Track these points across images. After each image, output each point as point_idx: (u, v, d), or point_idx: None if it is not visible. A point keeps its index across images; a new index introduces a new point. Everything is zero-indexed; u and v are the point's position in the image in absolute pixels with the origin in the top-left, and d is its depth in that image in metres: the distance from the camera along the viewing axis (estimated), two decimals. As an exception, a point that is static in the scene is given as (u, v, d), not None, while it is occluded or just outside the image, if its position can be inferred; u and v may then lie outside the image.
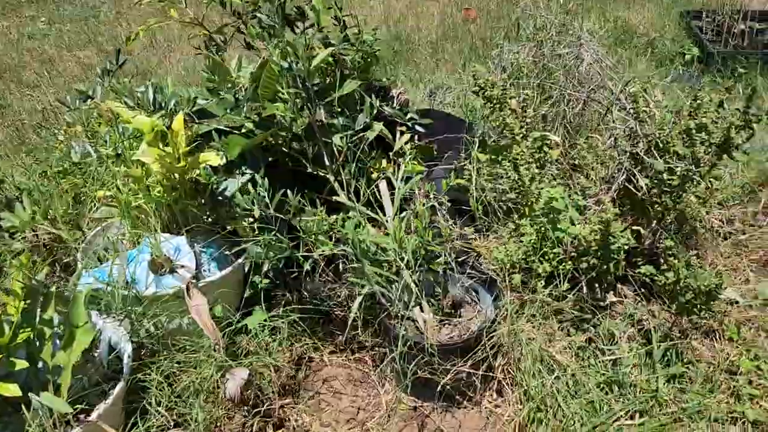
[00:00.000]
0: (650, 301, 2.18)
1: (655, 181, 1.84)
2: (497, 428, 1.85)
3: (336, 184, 1.93)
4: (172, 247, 1.95)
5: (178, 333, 1.95)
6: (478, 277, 1.97)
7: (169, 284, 1.90)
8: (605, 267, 1.81)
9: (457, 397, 1.90)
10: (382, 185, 1.97)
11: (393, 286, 1.81)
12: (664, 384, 1.82)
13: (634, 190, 1.87)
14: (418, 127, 2.19)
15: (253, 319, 2.06)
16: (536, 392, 1.77)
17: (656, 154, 1.78)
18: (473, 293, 2.06)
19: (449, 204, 2.11)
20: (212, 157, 1.74)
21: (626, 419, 1.77)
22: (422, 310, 1.95)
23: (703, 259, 2.28)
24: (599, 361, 1.82)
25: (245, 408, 1.72)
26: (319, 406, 1.99)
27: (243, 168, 1.84)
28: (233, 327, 1.91)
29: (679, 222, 2.09)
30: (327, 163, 1.92)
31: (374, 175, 2.03)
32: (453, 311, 2.03)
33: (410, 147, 2.18)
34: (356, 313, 1.86)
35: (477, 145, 2.23)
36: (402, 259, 1.73)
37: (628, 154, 1.84)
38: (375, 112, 1.99)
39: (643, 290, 2.11)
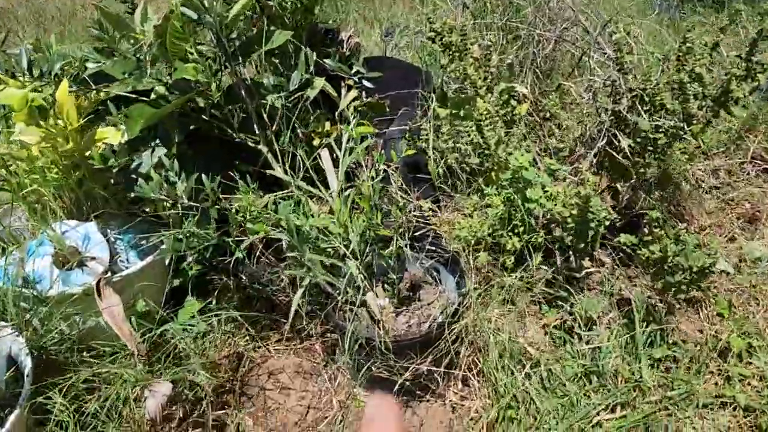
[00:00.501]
0: (629, 267, 1.97)
1: (639, 140, 1.59)
2: (464, 423, 1.65)
3: (270, 156, 1.64)
4: (80, 236, 1.66)
5: (98, 333, 1.68)
6: (439, 256, 1.73)
7: (78, 280, 1.62)
8: (582, 242, 1.58)
9: (418, 391, 1.69)
10: (324, 154, 1.68)
11: (340, 273, 1.56)
12: (648, 369, 1.63)
13: (614, 153, 1.62)
14: (366, 83, 1.89)
15: (184, 313, 1.80)
16: (506, 389, 1.56)
17: (642, 111, 1.51)
18: (434, 272, 1.82)
19: (405, 170, 1.85)
20: (111, 134, 1.43)
21: (607, 413, 1.58)
22: (377, 296, 1.72)
23: (687, 217, 2.06)
24: (576, 350, 1.61)
25: (170, 427, 1.49)
26: (264, 406, 1.77)
27: (155, 143, 1.53)
28: (157, 325, 1.65)
29: (662, 181, 1.85)
30: (257, 130, 1.62)
31: (316, 142, 1.74)
32: (411, 294, 1.80)
33: (358, 105, 1.89)
34: (299, 306, 1.62)
35: (435, 98, 1.94)
36: (347, 246, 1.47)
37: (609, 112, 1.57)
38: (313, 66, 1.68)
39: (621, 255, 1.89)
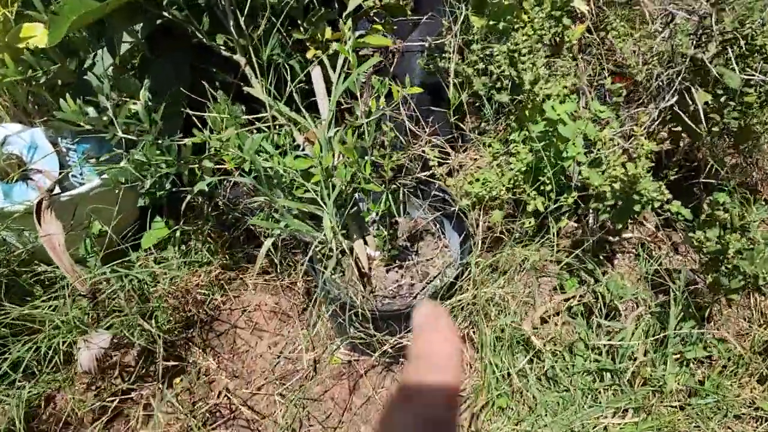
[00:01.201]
0: (675, 230, 1.65)
1: (721, 100, 1.21)
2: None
3: (248, 69, 1.32)
4: (25, 145, 1.42)
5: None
6: (443, 209, 1.44)
7: (21, 196, 1.40)
8: (621, 221, 1.26)
9: (402, 359, 1.48)
10: (316, 73, 1.35)
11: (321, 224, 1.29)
12: (673, 369, 1.37)
13: (682, 114, 1.25)
14: (384, -25, 1.50)
15: (149, 237, 1.58)
16: (499, 380, 1.33)
17: (733, 60, 1.13)
18: (437, 226, 1.54)
19: (423, 97, 1.51)
20: (37, 34, 1.13)
21: (616, 417, 1.35)
22: (366, 243, 1.46)
23: (763, 187, 1.69)
24: (592, 343, 1.35)
25: (112, 378, 1.32)
26: (233, 347, 1.59)
27: (100, 48, 1.23)
28: (114, 254, 1.45)
29: (739, 136, 1.47)
30: (233, 33, 1.29)
31: (310, 54, 1.40)
32: (410, 244, 1.53)
33: (372, 3, 1.52)
34: (272, 249, 1.38)
35: (471, 3, 1.55)
36: (326, 202, 1.19)
37: (688, 59, 1.18)
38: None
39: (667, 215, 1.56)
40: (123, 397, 1.38)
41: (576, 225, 1.54)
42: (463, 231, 1.40)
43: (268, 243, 1.28)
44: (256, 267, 1.34)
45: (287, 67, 1.39)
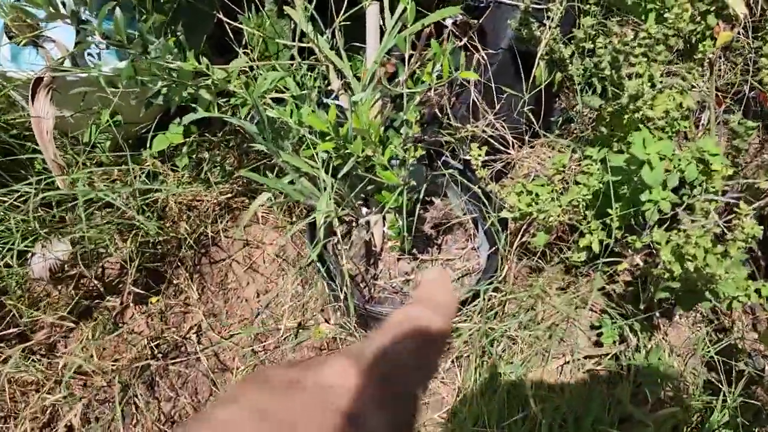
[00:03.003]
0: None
1: None
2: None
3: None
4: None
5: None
6: (485, 207, 1.19)
7: (28, 62, 1.26)
8: (685, 306, 0.98)
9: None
10: (372, 10, 1.09)
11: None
12: None
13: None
14: None
15: (162, 140, 1.42)
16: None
17: None
18: (473, 224, 1.29)
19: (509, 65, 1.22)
20: None
21: None
22: (385, 220, 1.25)
23: None
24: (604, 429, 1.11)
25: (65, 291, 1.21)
26: (223, 281, 1.45)
27: None
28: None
29: None
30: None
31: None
32: (436, 234, 1.30)
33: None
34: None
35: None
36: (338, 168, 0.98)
37: None
38: None
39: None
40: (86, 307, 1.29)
41: (634, 268, 1.26)
42: (495, 244, 1.15)
43: (261, 198, 1.09)
44: (246, 218, 1.15)
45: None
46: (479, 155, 1.02)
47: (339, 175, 1.02)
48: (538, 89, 1.23)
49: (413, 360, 0.32)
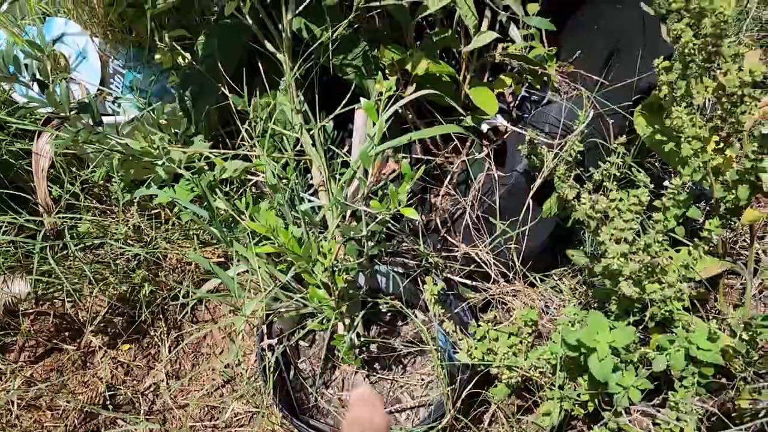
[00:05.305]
0: None
1: None
2: None
3: (287, 69, 1.03)
4: (76, 50, 1.29)
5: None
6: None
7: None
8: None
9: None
10: (359, 116, 1.03)
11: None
12: None
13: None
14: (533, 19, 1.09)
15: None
16: None
17: None
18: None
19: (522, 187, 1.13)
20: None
21: None
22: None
23: None
24: None
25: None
26: (198, 343, 1.42)
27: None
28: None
29: None
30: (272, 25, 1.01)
31: (379, 85, 1.05)
32: (403, 350, 1.20)
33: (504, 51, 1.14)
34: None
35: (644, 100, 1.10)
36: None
37: None
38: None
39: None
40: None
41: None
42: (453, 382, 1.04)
43: (210, 284, 1.05)
44: (200, 294, 1.11)
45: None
46: (434, 291, 0.92)
47: (287, 277, 0.96)
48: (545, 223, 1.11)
49: None
